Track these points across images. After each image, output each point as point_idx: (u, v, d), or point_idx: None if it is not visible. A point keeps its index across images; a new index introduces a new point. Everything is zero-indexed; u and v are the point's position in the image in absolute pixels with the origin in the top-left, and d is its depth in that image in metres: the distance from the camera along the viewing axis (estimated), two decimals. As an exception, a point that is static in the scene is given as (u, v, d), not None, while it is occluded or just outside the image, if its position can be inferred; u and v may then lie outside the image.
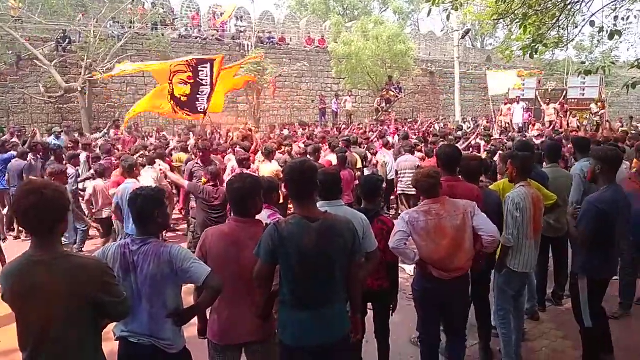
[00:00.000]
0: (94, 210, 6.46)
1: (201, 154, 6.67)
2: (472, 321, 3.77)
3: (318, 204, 2.79)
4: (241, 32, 21.35)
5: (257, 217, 2.90)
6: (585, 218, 3.40)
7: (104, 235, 6.59)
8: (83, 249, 7.17)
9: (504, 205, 3.59)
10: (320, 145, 8.29)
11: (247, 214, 2.67)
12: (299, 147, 8.69)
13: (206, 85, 7.67)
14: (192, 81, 7.51)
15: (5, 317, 2.08)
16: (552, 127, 13.75)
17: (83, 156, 8.03)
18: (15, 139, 10.21)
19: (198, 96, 7.73)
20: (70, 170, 7.12)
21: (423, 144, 8.99)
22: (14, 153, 8.24)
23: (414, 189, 7.70)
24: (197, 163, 6.62)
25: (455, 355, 3.37)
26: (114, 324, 2.41)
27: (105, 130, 12.85)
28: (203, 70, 7.54)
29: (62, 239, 5.70)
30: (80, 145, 9.09)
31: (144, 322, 2.33)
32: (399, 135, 10.70)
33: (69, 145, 9.75)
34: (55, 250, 2.01)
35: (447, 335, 3.41)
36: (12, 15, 15.64)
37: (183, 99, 7.58)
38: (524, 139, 8.65)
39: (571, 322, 3.96)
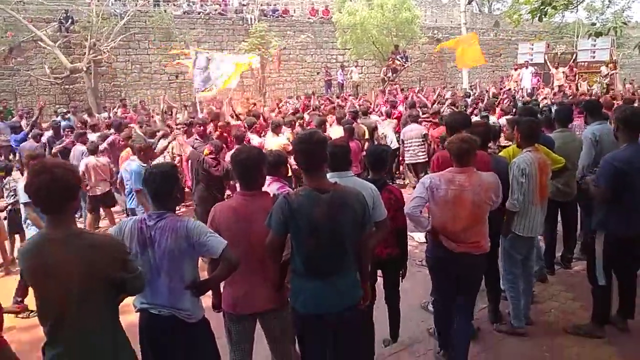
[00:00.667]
0: (87, 187, 6.61)
1: (201, 128, 6.69)
2: (481, 285, 3.84)
3: (327, 175, 2.82)
4: (244, 5, 21.02)
5: (267, 189, 2.96)
6: (602, 176, 3.38)
7: (92, 210, 6.80)
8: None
9: (509, 171, 3.59)
10: (327, 117, 8.28)
11: (253, 186, 2.71)
12: (303, 119, 8.66)
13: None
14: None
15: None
16: (560, 91, 13.52)
17: (93, 137, 8.10)
18: (24, 121, 10.30)
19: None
20: (80, 147, 7.25)
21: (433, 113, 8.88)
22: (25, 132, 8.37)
23: (421, 158, 7.85)
24: (196, 138, 6.58)
25: (460, 337, 3.29)
26: (133, 297, 2.47)
27: (115, 110, 12.92)
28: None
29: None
30: (87, 126, 9.19)
31: (163, 294, 2.39)
32: (406, 104, 10.60)
33: (78, 125, 9.83)
34: (69, 228, 2.06)
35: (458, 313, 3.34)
36: (13, -3, 15.54)
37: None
38: (527, 103, 8.57)
39: (581, 284, 4.02)
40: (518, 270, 3.77)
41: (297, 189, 2.50)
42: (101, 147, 7.08)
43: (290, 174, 6.21)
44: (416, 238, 5.27)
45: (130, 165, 5.48)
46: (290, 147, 6.66)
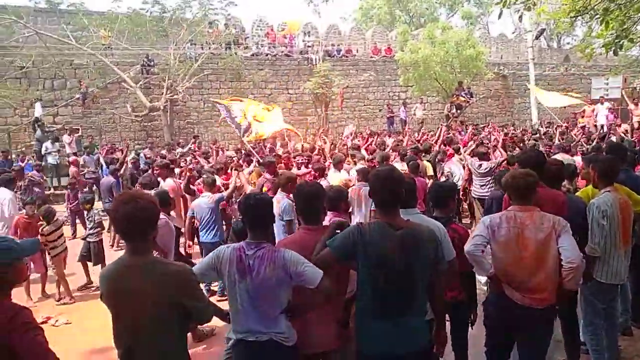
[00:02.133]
0: None
1: (269, 168, 6.88)
2: (558, 336, 3.57)
3: None
4: (309, 46, 21.84)
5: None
6: None
7: None
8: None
9: (587, 212, 3.39)
10: (389, 153, 8.27)
11: (316, 220, 2.76)
12: (362, 157, 8.69)
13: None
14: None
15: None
16: (639, 128, 12.65)
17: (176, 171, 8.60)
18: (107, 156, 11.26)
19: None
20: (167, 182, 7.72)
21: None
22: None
23: (486, 193, 7.56)
24: (266, 177, 6.78)
25: None
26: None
27: (189, 146, 13.71)
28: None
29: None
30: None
31: (260, 319, 2.44)
32: (473, 141, 10.34)
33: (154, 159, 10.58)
34: (146, 256, 2.18)
35: None
36: (102, 43, 17.19)
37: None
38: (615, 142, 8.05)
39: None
40: (600, 321, 3.48)
41: (370, 222, 2.50)
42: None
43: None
44: (482, 282, 5.01)
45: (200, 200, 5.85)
46: (352, 183, 6.72)
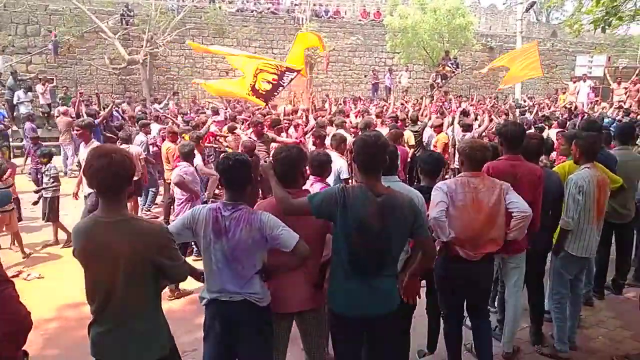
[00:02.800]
0: None
1: (255, 128, 6.83)
2: (524, 304, 3.71)
3: None
4: (296, 5, 21.25)
5: (309, 189, 2.96)
6: None
7: (135, 195, 7.06)
8: (151, 209, 7.69)
9: (565, 187, 3.45)
10: (372, 119, 8.23)
11: (294, 184, 2.71)
12: (350, 122, 8.65)
13: (284, 87, 8.31)
14: (275, 82, 7.99)
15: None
16: (619, 107, 12.83)
17: (156, 127, 8.42)
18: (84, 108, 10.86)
19: (275, 93, 8.39)
20: (142, 137, 7.59)
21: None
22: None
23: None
24: (249, 137, 6.82)
25: (483, 338, 3.25)
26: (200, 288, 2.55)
27: (165, 102, 13.37)
28: (288, 77, 8.07)
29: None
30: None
31: (235, 280, 2.44)
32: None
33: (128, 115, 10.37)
34: (120, 212, 2.13)
35: (472, 319, 3.31)
36: (80, -11, 16.37)
37: (262, 91, 8.08)
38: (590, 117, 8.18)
39: (631, 312, 3.81)
40: (566, 291, 3.61)
41: (353, 185, 2.49)
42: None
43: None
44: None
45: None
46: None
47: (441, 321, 3.44)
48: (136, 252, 2.07)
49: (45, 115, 13.75)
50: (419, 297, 3.04)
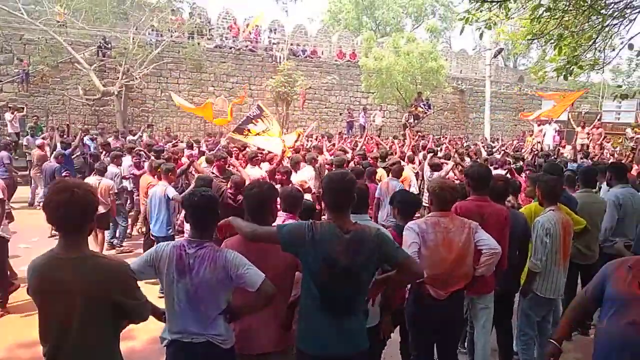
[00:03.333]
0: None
1: (218, 162, 6.71)
2: (493, 345, 3.70)
3: None
4: (274, 44, 21.71)
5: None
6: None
7: (102, 228, 6.88)
8: (122, 244, 7.45)
9: (532, 229, 3.53)
10: (345, 157, 8.33)
11: (264, 221, 2.67)
12: (325, 159, 8.72)
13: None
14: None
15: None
16: (581, 150, 13.40)
17: (128, 160, 8.29)
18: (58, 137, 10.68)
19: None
20: (114, 169, 7.46)
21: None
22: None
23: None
24: (212, 172, 6.62)
25: None
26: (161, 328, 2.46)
27: (139, 133, 13.24)
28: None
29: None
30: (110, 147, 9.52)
31: (197, 321, 2.36)
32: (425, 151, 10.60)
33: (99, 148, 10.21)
34: (80, 249, 2.04)
35: None
36: (57, 20, 16.35)
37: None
38: (554, 161, 8.48)
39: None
40: (533, 332, 3.64)
41: (322, 222, 2.48)
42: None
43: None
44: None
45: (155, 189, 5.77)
46: (307, 185, 6.71)
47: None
48: (95, 291, 1.98)
49: (13, 144, 13.39)
50: (392, 334, 3.01)
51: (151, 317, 2.39)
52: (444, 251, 2.96)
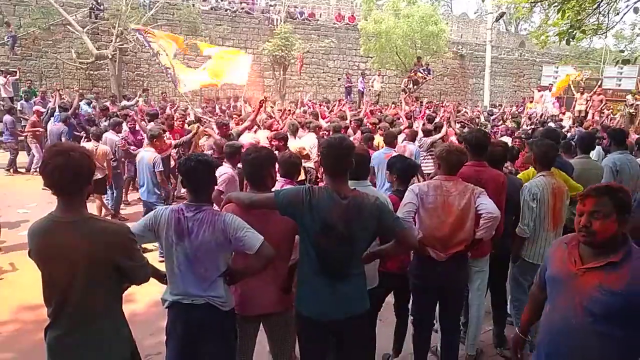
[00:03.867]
0: None
1: (224, 128, 6.76)
2: (487, 307, 3.79)
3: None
4: (271, 5, 21.17)
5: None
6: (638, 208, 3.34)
7: (99, 192, 6.96)
8: (119, 211, 7.50)
9: (520, 194, 3.54)
10: (343, 124, 8.27)
11: (263, 186, 2.70)
12: (321, 126, 8.66)
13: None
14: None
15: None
16: (579, 116, 13.35)
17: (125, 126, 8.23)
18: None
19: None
20: (113, 136, 7.42)
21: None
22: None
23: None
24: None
25: (451, 353, 3.30)
26: (163, 291, 2.49)
27: (136, 99, 13.07)
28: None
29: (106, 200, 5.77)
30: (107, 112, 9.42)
31: (197, 283, 2.39)
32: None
33: (94, 113, 10.12)
34: (79, 212, 2.05)
35: (442, 331, 3.34)
36: (47, -20, 15.83)
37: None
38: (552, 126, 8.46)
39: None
40: (525, 297, 3.70)
41: (319, 187, 2.50)
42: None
43: (304, 177, 6.24)
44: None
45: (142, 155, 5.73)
46: (306, 151, 6.69)
47: (409, 325, 3.49)
48: (96, 253, 2.00)
49: (7, 108, 13.22)
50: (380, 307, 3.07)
51: (152, 280, 2.43)
52: (442, 214, 2.97)
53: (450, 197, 2.99)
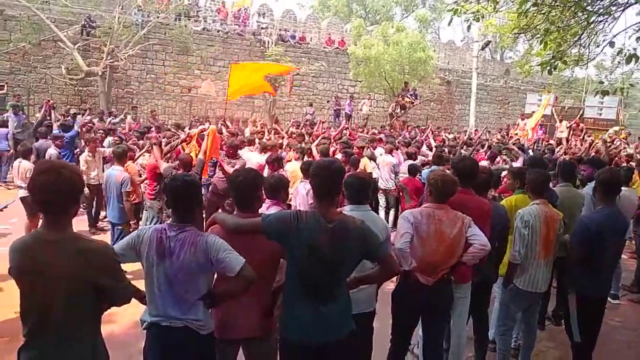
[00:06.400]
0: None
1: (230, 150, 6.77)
2: (469, 333, 3.79)
3: (346, 208, 2.88)
4: (263, 28, 21.44)
5: (265, 212, 2.95)
6: (575, 235, 3.45)
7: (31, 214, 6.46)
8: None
9: (513, 221, 3.60)
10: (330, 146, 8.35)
11: (250, 208, 2.71)
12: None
13: None
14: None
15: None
16: (559, 144, 13.59)
17: (108, 141, 8.18)
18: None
19: None
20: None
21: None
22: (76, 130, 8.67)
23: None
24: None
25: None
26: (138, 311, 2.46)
27: (121, 116, 13.02)
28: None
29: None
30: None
31: (176, 305, 2.36)
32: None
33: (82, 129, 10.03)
34: (64, 230, 2.03)
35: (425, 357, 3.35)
36: (40, -3, 15.87)
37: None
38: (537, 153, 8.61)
39: (569, 342, 3.95)
40: (512, 323, 3.73)
41: (307, 211, 2.51)
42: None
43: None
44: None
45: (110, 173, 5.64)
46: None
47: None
48: (78, 273, 1.98)
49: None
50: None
51: (132, 301, 2.40)
52: (434, 242, 3.00)
53: (442, 225, 3.02)
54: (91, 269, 2.01)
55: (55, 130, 8.85)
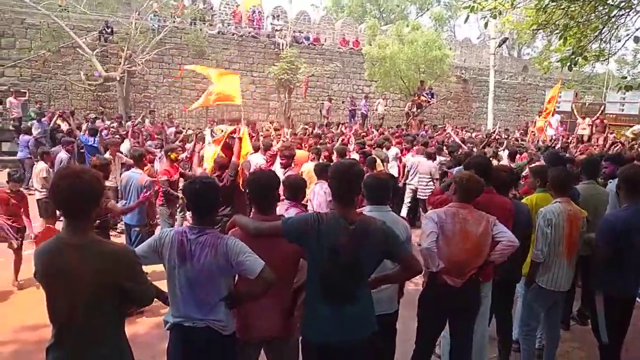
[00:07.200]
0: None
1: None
2: (492, 334, 3.73)
3: (366, 209, 2.86)
4: (277, 30, 21.53)
5: (285, 214, 2.96)
6: (601, 234, 3.35)
7: (45, 215, 6.59)
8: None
9: (535, 219, 3.54)
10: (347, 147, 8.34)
11: (268, 208, 2.72)
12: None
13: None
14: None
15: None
16: (581, 141, 13.33)
17: (126, 145, 8.26)
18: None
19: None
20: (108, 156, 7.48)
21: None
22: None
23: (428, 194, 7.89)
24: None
25: None
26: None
27: (139, 119, 13.21)
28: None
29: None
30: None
31: (198, 306, 2.39)
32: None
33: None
34: (86, 234, 2.07)
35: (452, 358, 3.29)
36: (59, 5, 16.19)
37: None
38: (554, 150, 8.46)
39: (595, 343, 3.86)
40: (536, 323, 3.67)
41: (327, 212, 2.51)
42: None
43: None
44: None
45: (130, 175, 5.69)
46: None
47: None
48: (101, 277, 2.01)
49: (15, 128, 13.40)
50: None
51: (154, 301, 2.43)
52: (460, 241, 2.97)
53: (467, 224, 2.99)
54: (113, 272, 2.04)
55: (81, 136, 8.98)
